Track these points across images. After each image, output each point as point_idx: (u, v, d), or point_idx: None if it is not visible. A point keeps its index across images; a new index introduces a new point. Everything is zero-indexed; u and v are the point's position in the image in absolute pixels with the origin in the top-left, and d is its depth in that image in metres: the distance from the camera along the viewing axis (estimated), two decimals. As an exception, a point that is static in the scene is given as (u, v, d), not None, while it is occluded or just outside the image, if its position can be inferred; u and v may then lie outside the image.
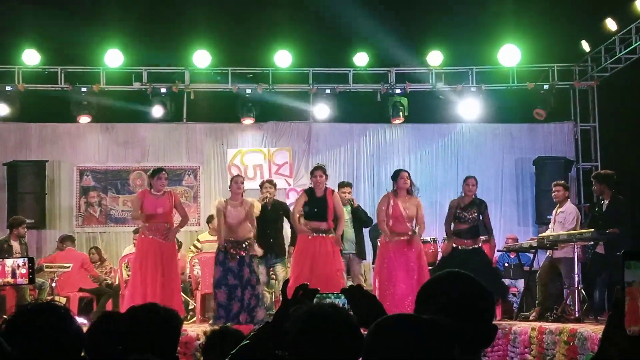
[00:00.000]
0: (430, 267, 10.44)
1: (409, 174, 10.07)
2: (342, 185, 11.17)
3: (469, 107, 13.69)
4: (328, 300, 2.88)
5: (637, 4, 11.80)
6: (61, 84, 13.54)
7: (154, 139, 13.96)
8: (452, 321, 2.04)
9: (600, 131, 14.04)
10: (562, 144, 14.18)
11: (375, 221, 10.83)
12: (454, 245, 10.20)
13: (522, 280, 11.56)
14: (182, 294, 10.84)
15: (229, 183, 10.44)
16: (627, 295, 1.76)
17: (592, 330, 7.59)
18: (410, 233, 9.80)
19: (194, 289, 11.25)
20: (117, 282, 11.87)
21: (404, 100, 13.67)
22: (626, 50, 12.69)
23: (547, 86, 13.66)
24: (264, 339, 2.73)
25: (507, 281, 12.08)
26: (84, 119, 13.44)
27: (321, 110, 13.69)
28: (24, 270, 5.27)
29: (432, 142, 14.26)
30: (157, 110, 13.43)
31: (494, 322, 2.30)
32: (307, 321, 2.46)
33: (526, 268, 11.20)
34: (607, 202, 9.87)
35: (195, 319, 10.75)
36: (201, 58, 13.37)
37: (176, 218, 10.26)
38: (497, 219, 13.53)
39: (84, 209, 13.71)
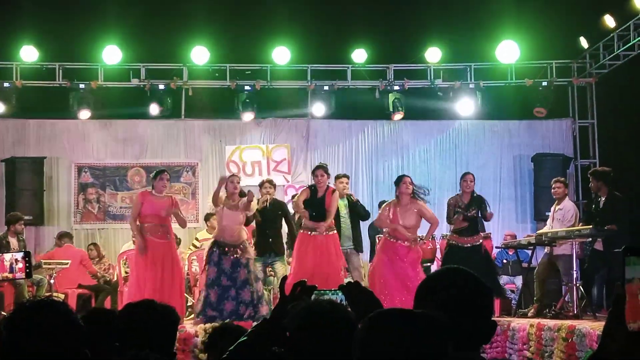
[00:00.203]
0: (428, 264, 10.44)
1: (411, 179, 10.01)
2: (338, 176, 11.13)
3: (467, 103, 13.68)
4: (326, 297, 2.88)
5: (636, 1, 11.78)
6: (59, 81, 13.53)
7: (152, 135, 13.95)
8: (445, 316, 2.03)
9: (599, 128, 14.04)
10: (560, 141, 14.19)
11: (374, 218, 10.80)
12: (452, 242, 10.18)
13: (521, 276, 11.57)
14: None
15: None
16: (627, 292, 1.75)
17: (591, 326, 7.59)
18: (406, 244, 9.74)
19: (192, 286, 11.24)
20: (115, 279, 11.87)
21: (402, 97, 13.67)
22: (624, 47, 12.68)
23: (546, 83, 13.67)
24: (262, 335, 2.72)
25: (505, 278, 12.09)
26: (84, 114, 13.41)
27: (319, 107, 13.68)
28: (21, 265, 5.25)
29: (430, 139, 14.25)
30: (154, 109, 13.45)
31: (493, 319, 2.30)
32: (305, 317, 2.45)
33: (524, 265, 11.21)
34: (604, 199, 9.88)
35: (193, 316, 10.73)
36: (199, 54, 13.36)
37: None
38: (495, 216, 13.49)
39: (82, 206, 13.70)
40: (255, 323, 6.87)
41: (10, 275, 5.39)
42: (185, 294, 11.27)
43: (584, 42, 13.50)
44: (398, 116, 13.71)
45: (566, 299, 9.63)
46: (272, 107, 13.94)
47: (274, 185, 11.03)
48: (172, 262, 9.68)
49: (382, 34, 13.80)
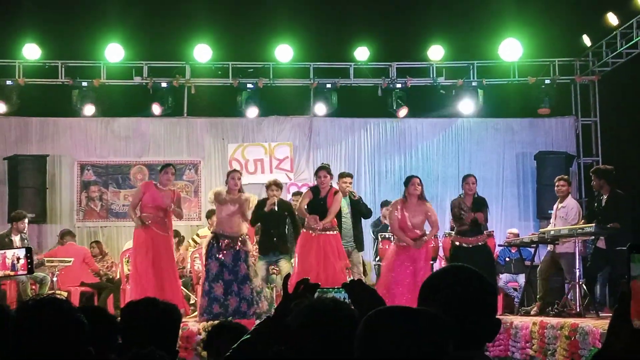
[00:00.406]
0: (431, 262, 10.42)
1: (420, 179, 10.01)
2: (342, 175, 11.11)
3: (469, 101, 13.67)
4: (329, 295, 2.88)
5: (639, -1, 11.78)
6: (62, 79, 13.53)
7: (154, 133, 13.95)
8: (444, 313, 2.03)
9: (601, 126, 14.02)
10: (563, 139, 14.17)
11: (376, 216, 10.78)
12: (457, 243, 10.17)
13: (523, 275, 11.55)
14: (183, 288, 10.86)
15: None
16: (632, 289, 1.75)
17: (593, 325, 7.58)
18: (414, 240, 9.77)
19: (195, 284, 11.24)
20: (118, 277, 11.87)
21: (405, 95, 13.66)
22: (627, 45, 12.68)
23: (549, 81, 13.66)
24: (265, 333, 2.72)
25: (508, 276, 12.08)
26: (89, 109, 13.40)
27: (322, 105, 13.67)
28: (23, 262, 5.25)
29: (433, 137, 14.23)
30: (156, 109, 13.46)
31: (496, 317, 2.29)
32: (308, 315, 2.45)
33: (527, 263, 11.20)
34: (606, 197, 9.86)
35: (196, 313, 10.73)
36: (202, 52, 13.36)
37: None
38: (498, 214, 13.55)
39: (85, 204, 13.70)
40: (258, 321, 6.86)
41: (12, 273, 5.38)
42: (188, 292, 11.30)
43: (586, 40, 13.49)
44: (403, 112, 13.70)
45: (569, 297, 9.61)
46: (274, 105, 13.94)
47: (281, 187, 11.00)
48: (168, 257, 9.79)
49: (384, 32, 13.79)
